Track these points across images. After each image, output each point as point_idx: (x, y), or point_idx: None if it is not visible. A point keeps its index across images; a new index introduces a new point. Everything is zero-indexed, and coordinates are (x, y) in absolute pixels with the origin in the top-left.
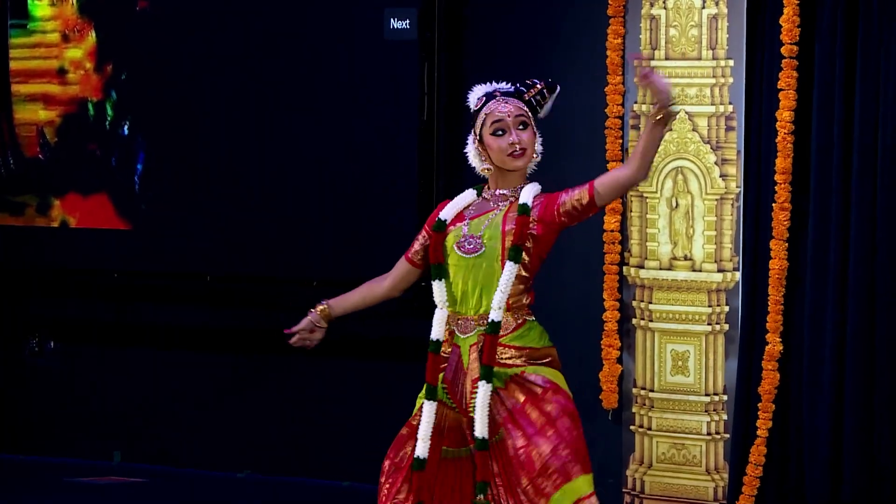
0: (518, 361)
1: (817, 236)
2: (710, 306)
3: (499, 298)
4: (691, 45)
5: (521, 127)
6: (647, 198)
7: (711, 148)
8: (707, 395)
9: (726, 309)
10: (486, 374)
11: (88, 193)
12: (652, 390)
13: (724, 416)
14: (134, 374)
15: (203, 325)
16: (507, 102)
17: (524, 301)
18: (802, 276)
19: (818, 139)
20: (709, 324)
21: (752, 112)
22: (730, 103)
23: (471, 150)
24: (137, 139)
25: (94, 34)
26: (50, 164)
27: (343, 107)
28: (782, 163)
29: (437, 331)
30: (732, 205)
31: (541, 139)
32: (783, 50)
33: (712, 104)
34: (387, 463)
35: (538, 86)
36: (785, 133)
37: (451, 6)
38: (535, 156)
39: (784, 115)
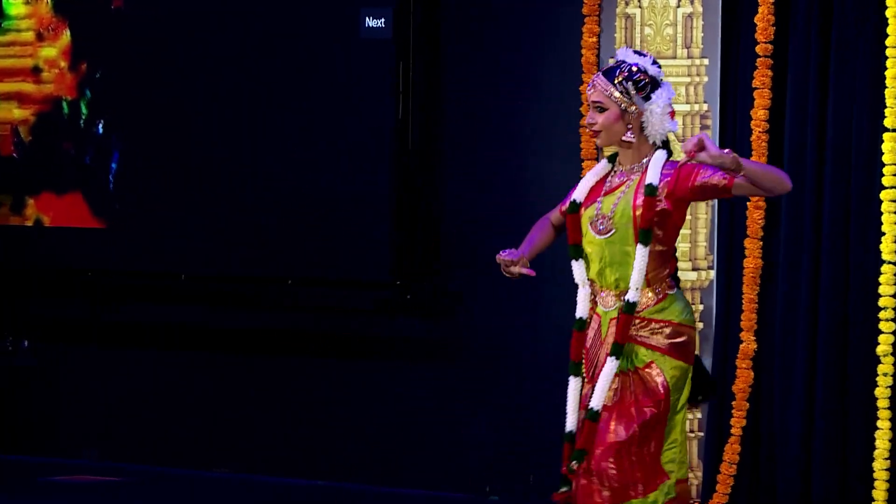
0: (657, 338)
1: (790, 235)
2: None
3: (635, 280)
4: (666, 43)
5: (596, 109)
6: None
7: None
8: None
9: (701, 307)
10: (616, 351)
11: (63, 192)
12: None
13: (699, 415)
14: (108, 372)
15: (178, 324)
16: (594, 85)
17: (664, 273)
18: (776, 274)
19: (792, 138)
20: None
21: (726, 110)
22: (705, 102)
23: None
24: (112, 138)
25: (68, 33)
26: (24, 163)
27: (318, 106)
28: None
29: (581, 309)
30: (707, 203)
31: (653, 109)
32: (758, 49)
33: (687, 103)
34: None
35: (624, 73)
36: (759, 132)
37: (426, 5)
38: (626, 136)
39: (759, 114)
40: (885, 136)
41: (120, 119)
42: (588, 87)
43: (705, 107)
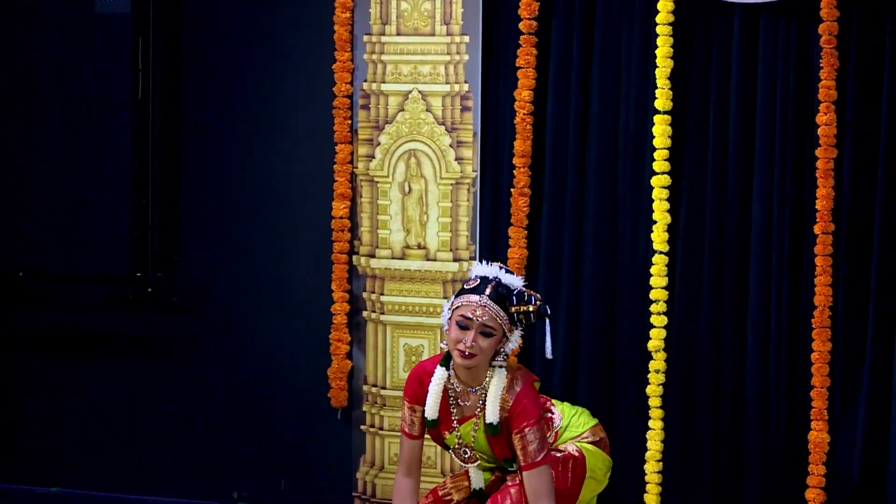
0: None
1: (552, 223)
2: (445, 298)
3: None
4: (424, 19)
5: (483, 334)
6: (377, 182)
7: (446, 129)
8: None
9: None
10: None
11: None
12: (384, 388)
13: None
14: None
15: None
16: (484, 307)
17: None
18: (538, 264)
19: (554, 120)
20: None
21: (488, 91)
22: (465, 82)
23: (443, 318)
24: None
25: None
26: None
27: (54, 87)
28: (521, 145)
29: (477, 481)
30: (469, 190)
31: (517, 335)
32: (521, 26)
33: (447, 83)
34: None
35: (529, 307)
36: (524, 114)
37: None
38: (496, 360)
39: (522, 95)
40: (656, 118)
41: None
42: (470, 309)
43: (466, 87)
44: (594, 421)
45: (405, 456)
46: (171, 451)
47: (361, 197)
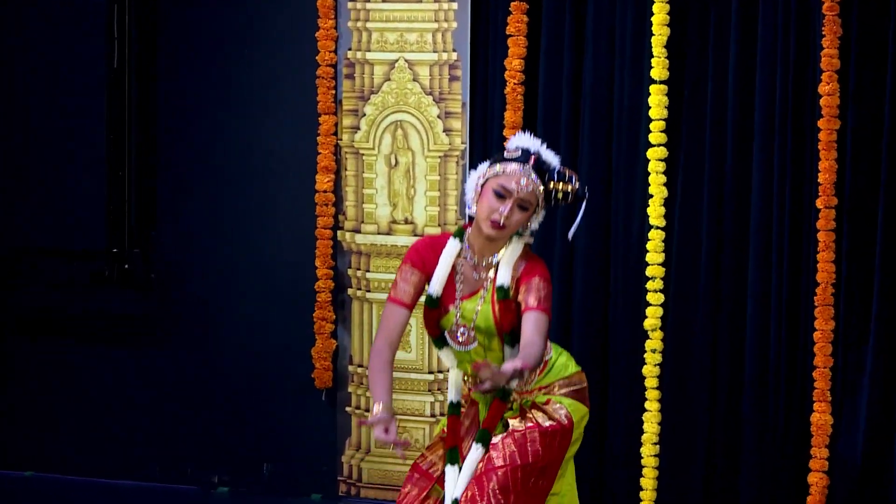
0: (552, 393)
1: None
2: None
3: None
4: None
5: (520, 206)
6: (363, 154)
7: (434, 100)
8: (430, 372)
9: None
10: (482, 438)
11: None
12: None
13: None
14: None
15: None
16: (527, 179)
17: None
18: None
19: (546, 90)
20: None
21: (478, 60)
22: (454, 50)
23: (471, 184)
24: None
25: None
26: None
27: (26, 54)
28: (511, 116)
29: (454, 393)
30: (457, 162)
31: (542, 215)
32: None
33: (434, 51)
34: None
35: (570, 186)
36: (514, 83)
37: None
38: (522, 234)
39: (513, 64)
40: (652, 88)
41: None
42: (514, 179)
43: (454, 56)
44: (578, 367)
45: (389, 324)
46: (149, 433)
47: (346, 170)
